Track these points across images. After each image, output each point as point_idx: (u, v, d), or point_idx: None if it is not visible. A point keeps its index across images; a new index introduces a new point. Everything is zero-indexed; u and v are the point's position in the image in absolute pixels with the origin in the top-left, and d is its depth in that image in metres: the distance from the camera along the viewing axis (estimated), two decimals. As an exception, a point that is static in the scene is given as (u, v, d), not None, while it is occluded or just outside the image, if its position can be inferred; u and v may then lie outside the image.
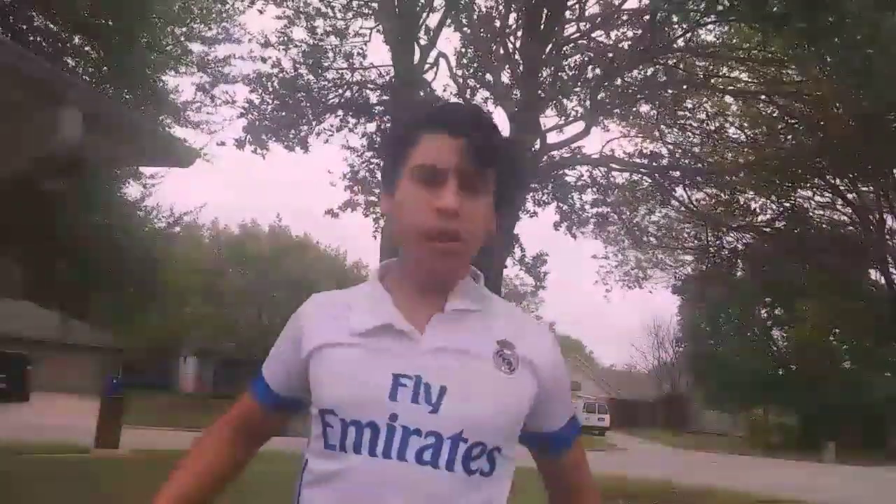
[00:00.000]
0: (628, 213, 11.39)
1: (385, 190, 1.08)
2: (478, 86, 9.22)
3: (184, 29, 11.72)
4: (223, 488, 1.25)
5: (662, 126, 10.64)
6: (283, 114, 8.60)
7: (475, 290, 1.09)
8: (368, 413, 0.99)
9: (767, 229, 12.08)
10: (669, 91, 9.79)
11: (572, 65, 9.06)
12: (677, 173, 10.30)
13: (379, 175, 8.96)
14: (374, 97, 8.96)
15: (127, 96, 11.04)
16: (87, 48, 10.97)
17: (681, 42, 8.67)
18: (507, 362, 1.04)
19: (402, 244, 1.07)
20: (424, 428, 0.98)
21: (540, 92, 8.39)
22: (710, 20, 8.54)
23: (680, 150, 10.75)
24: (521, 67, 8.45)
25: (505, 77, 8.84)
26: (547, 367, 1.08)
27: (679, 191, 11.05)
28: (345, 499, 0.98)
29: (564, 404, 1.14)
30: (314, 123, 8.95)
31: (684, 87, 9.93)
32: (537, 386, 1.06)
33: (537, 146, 8.46)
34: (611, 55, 8.48)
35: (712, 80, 9.84)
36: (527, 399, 1.06)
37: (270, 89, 8.55)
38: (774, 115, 10.50)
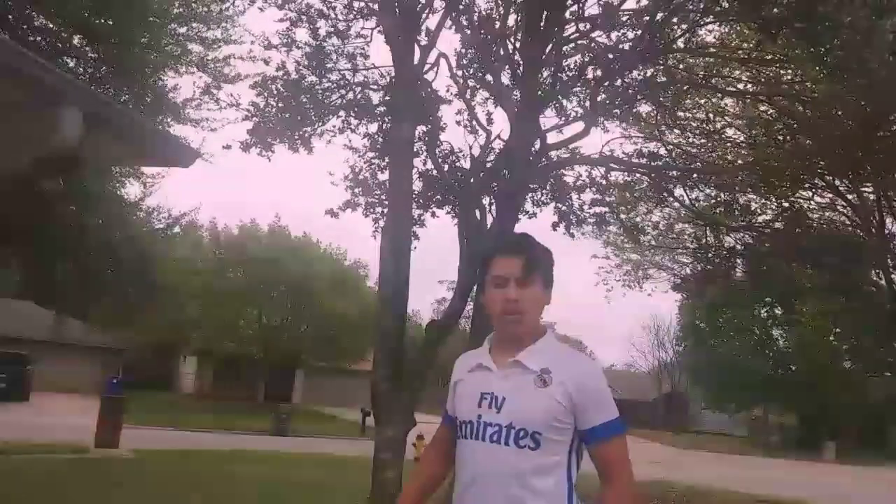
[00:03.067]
0: (627, 214, 11.37)
1: (481, 294, 2.15)
2: (478, 86, 9.22)
3: (184, 29, 11.72)
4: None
5: (662, 126, 10.62)
6: (288, 115, 8.59)
7: (538, 347, 1.88)
8: (469, 416, 1.87)
9: (767, 230, 12.07)
10: (669, 91, 9.77)
11: (572, 65, 9.06)
12: (676, 173, 10.29)
13: (380, 175, 8.99)
14: (376, 98, 8.95)
15: (126, 96, 11.05)
16: (86, 48, 10.96)
17: (680, 43, 8.65)
18: (542, 381, 1.81)
19: (493, 321, 1.94)
20: (494, 422, 1.81)
21: (539, 92, 8.37)
22: (709, 21, 8.54)
23: (679, 151, 10.74)
24: (520, 68, 8.44)
25: (505, 77, 8.83)
26: (574, 385, 1.80)
27: (678, 191, 11.05)
28: (462, 458, 1.88)
29: (593, 412, 1.80)
30: (317, 125, 8.94)
31: (684, 87, 9.92)
32: (570, 398, 1.79)
33: (537, 146, 8.45)
34: (611, 56, 8.46)
35: (712, 81, 9.83)
36: (556, 404, 1.78)
37: (275, 92, 8.54)
38: (774, 115, 10.49)
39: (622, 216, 10.58)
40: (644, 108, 10.52)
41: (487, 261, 1.93)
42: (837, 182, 13.78)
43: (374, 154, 9.00)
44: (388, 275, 6.56)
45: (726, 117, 11.49)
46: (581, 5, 8.22)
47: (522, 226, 8.84)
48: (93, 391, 22.73)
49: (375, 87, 8.93)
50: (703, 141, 10.99)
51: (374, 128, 8.90)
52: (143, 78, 11.31)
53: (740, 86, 10.23)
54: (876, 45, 5.50)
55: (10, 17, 9.65)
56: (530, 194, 8.98)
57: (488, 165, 8.54)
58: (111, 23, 10.23)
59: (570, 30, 8.58)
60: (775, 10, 6.82)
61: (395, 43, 7.12)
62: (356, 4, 8.69)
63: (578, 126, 8.91)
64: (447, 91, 9.16)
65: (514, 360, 1.85)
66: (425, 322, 17.02)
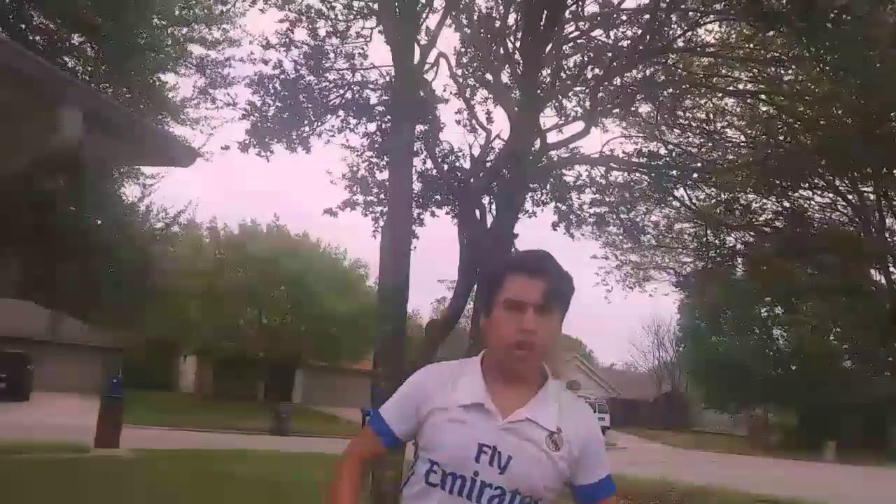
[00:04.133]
0: (627, 213, 11.37)
1: (484, 314, 1.63)
2: (477, 85, 9.22)
3: (184, 30, 11.72)
4: None
5: (662, 126, 10.62)
6: (286, 115, 8.57)
7: (547, 395, 1.60)
8: (461, 469, 1.52)
9: (767, 229, 12.09)
10: (669, 91, 9.77)
11: (572, 65, 9.06)
12: (676, 173, 10.28)
13: (379, 175, 8.98)
14: (374, 97, 8.94)
15: (126, 95, 11.05)
16: (85, 47, 10.96)
17: (680, 42, 8.65)
18: (555, 444, 1.56)
19: (492, 350, 1.61)
20: (495, 483, 1.51)
21: (539, 92, 8.37)
22: (709, 20, 8.54)
23: (679, 150, 10.74)
24: (520, 67, 8.43)
25: (505, 77, 8.83)
26: (579, 444, 1.58)
27: (679, 191, 11.05)
28: None
29: (595, 468, 1.62)
30: (315, 124, 8.93)
31: (684, 86, 9.92)
32: (573, 458, 1.57)
33: (537, 146, 8.45)
34: (610, 55, 8.46)
35: (712, 80, 9.83)
36: (564, 469, 1.57)
37: (272, 91, 8.52)
38: (774, 114, 10.49)
39: (622, 216, 10.57)
40: (644, 108, 10.53)
41: (501, 278, 1.58)
42: (838, 181, 13.78)
43: (372, 153, 9.00)
44: (388, 274, 6.57)
45: (726, 117, 11.49)
46: (581, 4, 8.22)
47: (522, 225, 8.83)
48: (93, 391, 22.71)
49: (374, 86, 8.92)
50: (703, 140, 10.99)
51: (372, 127, 8.89)
52: (143, 78, 11.31)
53: (740, 85, 10.22)
54: (876, 35, 5.49)
55: (9, 16, 9.65)
56: (530, 194, 8.97)
57: (488, 165, 8.54)
58: (111, 22, 10.22)
59: (569, 29, 8.58)
60: (774, 4, 6.80)
61: (395, 42, 7.11)
62: (356, 4, 8.68)
63: (578, 125, 8.92)
64: (447, 90, 9.16)
65: (526, 416, 1.55)
66: (425, 322, 17.02)
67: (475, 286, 7.56)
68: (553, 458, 1.54)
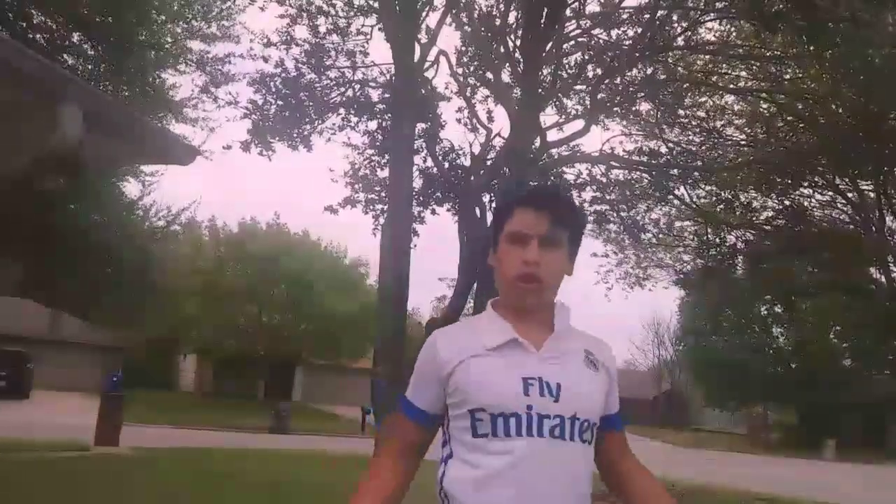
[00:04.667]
0: (627, 211, 11.37)
1: (493, 250, 1.57)
2: (478, 84, 9.22)
3: (184, 26, 11.71)
4: None
5: (662, 124, 10.62)
6: (287, 114, 8.57)
7: (563, 324, 1.55)
8: (512, 407, 1.42)
9: (768, 227, 12.09)
10: (669, 89, 9.77)
11: (572, 63, 9.05)
12: (677, 171, 10.28)
13: (380, 172, 8.98)
14: (375, 95, 8.94)
15: (126, 94, 11.03)
16: (85, 45, 10.94)
17: (680, 40, 8.65)
18: (592, 364, 1.54)
19: (499, 286, 1.56)
20: (552, 413, 1.43)
21: (540, 90, 8.37)
22: (709, 18, 8.53)
23: (680, 148, 10.73)
24: (521, 66, 8.43)
25: (505, 75, 8.82)
26: (612, 369, 1.60)
27: (679, 189, 11.05)
28: (504, 461, 1.40)
29: (616, 398, 1.61)
30: (317, 122, 8.93)
31: (684, 85, 9.92)
32: (608, 383, 1.56)
33: (537, 144, 8.45)
34: (611, 54, 8.46)
35: (712, 78, 9.83)
36: (605, 390, 1.55)
37: (273, 89, 8.52)
38: (774, 112, 10.49)
39: (622, 214, 10.57)
40: (644, 106, 10.53)
41: (505, 211, 1.53)
42: (838, 180, 13.78)
43: (373, 151, 9.00)
44: (388, 272, 6.56)
45: (727, 115, 11.49)
46: (582, 3, 8.22)
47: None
48: (93, 389, 22.73)
49: (375, 84, 8.92)
50: (703, 139, 10.99)
51: (373, 125, 8.89)
52: (143, 76, 11.30)
53: (741, 83, 10.22)
54: (877, 40, 5.50)
55: (9, 14, 9.63)
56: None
57: (489, 163, 8.54)
58: (110, 20, 10.21)
59: (570, 27, 8.58)
60: (775, 6, 6.80)
61: (396, 40, 7.11)
62: (356, 2, 8.68)
63: (579, 124, 8.93)
64: (447, 89, 9.16)
65: (558, 343, 1.50)
66: (425, 320, 17.01)
67: (475, 284, 7.56)
68: (595, 378, 1.52)
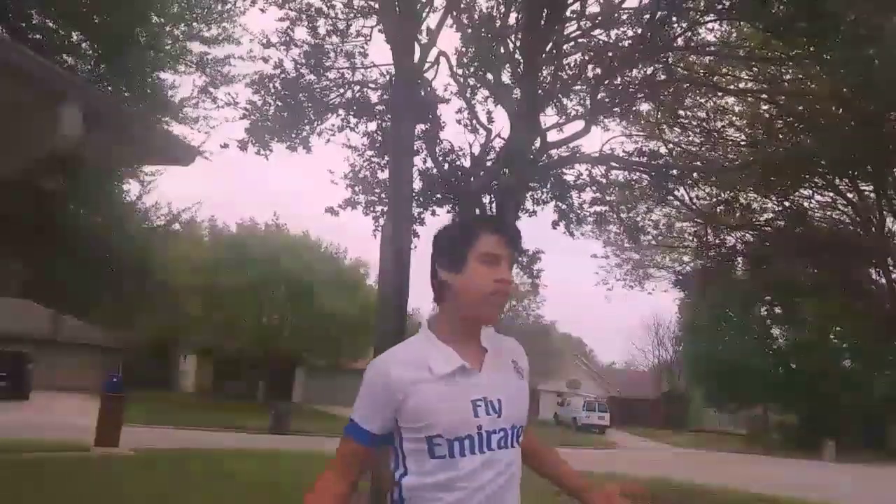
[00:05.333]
0: (627, 213, 11.37)
1: (452, 271, 1.70)
2: (478, 85, 9.21)
3: (184, 28, 11.70)
4: None
5: (662, 125, 10.62)
6: (286, 114, 8.57)
7: (487, 333, 1.75)
8: (465, 430, 1.61)
9: (768, 228, 12.09)
10: (669, 90, 9.77)
11: (572, 64, 9.05)
12: (677, 172, 10.28)
13: (380, 174, 8.97)
14: (375, 96, 8.94)
15: (125, 94, 11.03)
16: (84, 45, 10.94)
17: (680, 41, 8.65)
18: (518, 373, 1.76)
19: (461, 303, 1.69)
20: (498, 427, 1.64)
21: (540, 91, 8.37)
22: (709, 19, 8.53)
23: (680, 149, 10.74)
24: (521, 66, 8.43)
25: (505, 76, 8.82)
26: (527, 371, 1.80)
27: (679, 190, 11.05)
28: (460, 476, 1.59)
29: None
30: (316, 123, 8.93)
31: (685, 85, 9.92)
32: (527, 385, 1.79)
33: (537, 145, 8.45)
34: (611, 54, 8.46)
35: (713, 79, 9.83)
36: (528, 393, 1.78)
37: (273, 90, 8.52)
38: (774, 114, 10.50)
39: (622, 215, 10.57)
40: (644, 107, 10.53)
41: (473, 235, 1.70)
42: (838, 181, 13.78)
43: (373, 152, 8.99)
44: (388, 273, 6.56)
45: (727, 116, 11.49)
46: (582, 4, 8.22)
47: (523, 224, 8.83)
48: (93, 390, 22.72)
49: (374, 85, 8.91)
50: (703, 139, 10.99)
51: (373, 126, 8.89)
52: (142, 76, 11.29)
53: (741, 84, 10.23)
54: (884, 43, 5.50)
55: (9, 14, 9.63)
56: (530, 193, 8.97)
57: (489, 164, 8.53)
58: (110, 20, 10.21)
59: (570, 28, 8.59)
60: (779, 8, 6.81)
61: (395, 41, 7.11)
62: (356, 3, 8.68)
63: (579, 124, 8.93)
64: (447, 90, 9.16)
65: (487, 352, 1.70)
66: (425, 320, 16.99)
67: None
68: (522, 385, 1.75)
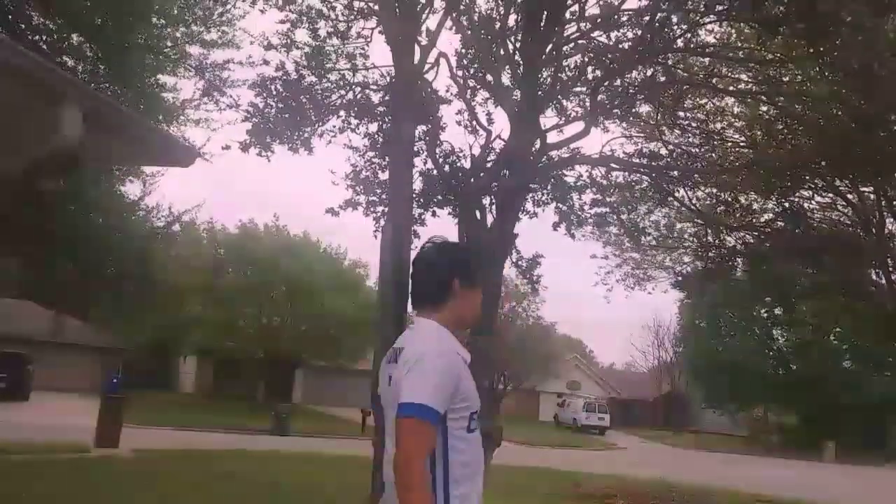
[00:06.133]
0: (628, 214, 11.36)
1: (472, 287, 2.15)
2: (478, 86, 9.21)
3: (184, 31, 11.69)
4: None
5: (662, 126, 10.62)
6: (287, 116, 8.57)
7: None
8: (477, 407, 1.99)
9: (768, 229, 12.07)
10: (669, 91, 9.77)
11: (572, 65, 9.05)
12: (677, 173, 10.28)
13: (380, 175, 8.97)
14: (376, 98, 8.94)
15: (125, 95, 11.03)
16: (84, 47, 10.94)
17: (680, 42, 8.64)
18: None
19: (467, 316, 2.18)
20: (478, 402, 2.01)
21: (539, 92, 8.37)
22: (709, 20, 8.53)
23: (680, 151, 10.73)
24: (521, 68, 8.44)
25: (505, 77, 8.83)
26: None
27: (679, 191, 11.04)
28: (475, 451, 1.99)
29: None
30: (317, 125, 8.93)
31: (684, 87, 9.92)
32: None
33: (537, 146, 8.45)
34: (610, 56, 8.46)
35: (712, 81, 9.82)
36: None
37: (274, 92, 8.52)
38: (774, 115, 10.49)
39: (623, 216, 10.56)
40: (644, 108, 10.53)
41: (478, 271, 2.22)
42: (837, 182, 13.78)
43: (374, 153, 9.00)
44: (388, 274, 6.57)
45: (727, 117, 11.49)
46: (581, 5, 8.22)
47: (523, 225, 8.83)
48: (93, 391, 22.73)
49: (375, 87, 8.92)
50: (703, 141, 10.99)
51: (374, 127, 8.89)
52: (142, 78, 11.29)
53: (741, 86, 10.23)
54: (877, 44, 5.50)
55: (9, 16, 9.64)
56: (531, 194, 8.97)
57: (489, 165, 8.54)
58: (110, 22, 10.21)
59: (570, 29, 8.58)
60: (775, 9, 6.81)
61: (396, 43, 7.12)
62: (356, 4, 8.69)
63: (579, 126, 8.91)
64: (447, 91, 9.16)
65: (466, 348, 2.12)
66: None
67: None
68: None
